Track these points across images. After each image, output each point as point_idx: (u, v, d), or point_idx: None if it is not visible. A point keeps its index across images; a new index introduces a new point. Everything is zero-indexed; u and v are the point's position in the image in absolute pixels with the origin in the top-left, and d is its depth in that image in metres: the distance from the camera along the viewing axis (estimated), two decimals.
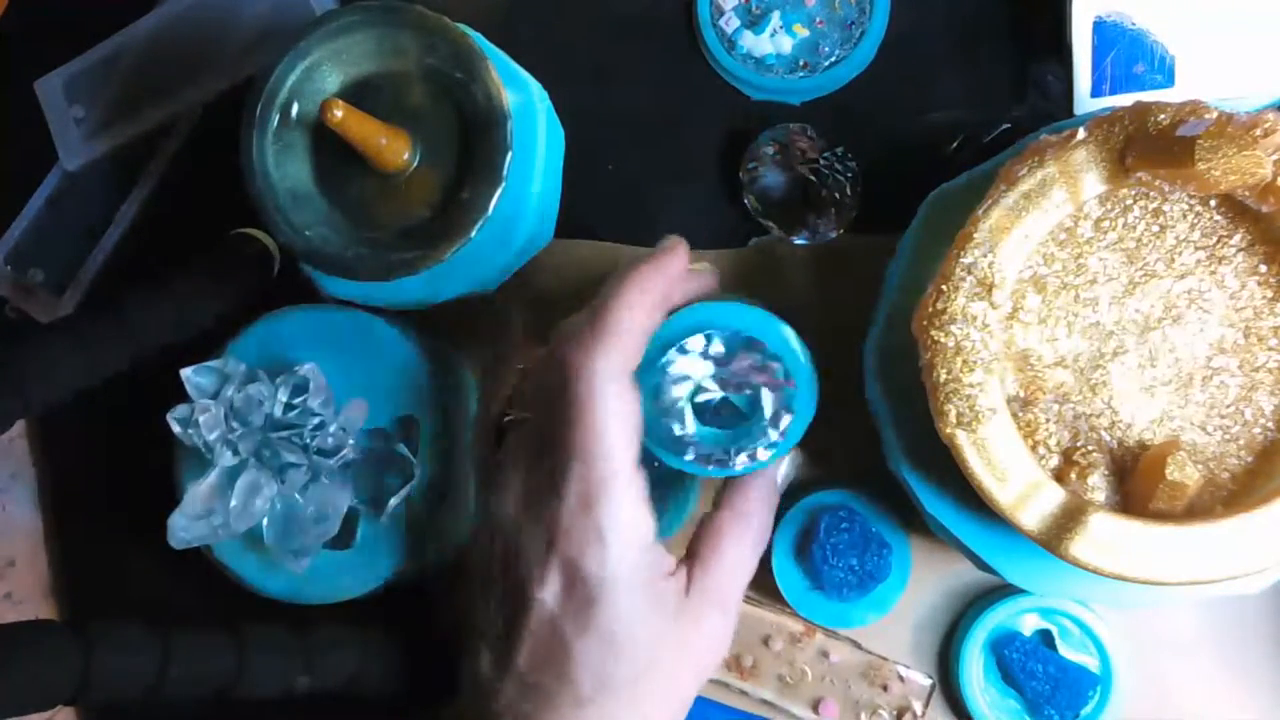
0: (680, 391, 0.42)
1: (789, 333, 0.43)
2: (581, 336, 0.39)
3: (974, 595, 0.52)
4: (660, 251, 0.42)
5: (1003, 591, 0.51)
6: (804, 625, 0.51)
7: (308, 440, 0.49)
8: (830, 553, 0.50)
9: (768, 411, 0.42)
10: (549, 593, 0.37)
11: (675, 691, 0.39)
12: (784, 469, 0.47)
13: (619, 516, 0.37)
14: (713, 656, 0.41)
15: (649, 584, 0.38)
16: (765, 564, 0.51)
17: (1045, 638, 0.51)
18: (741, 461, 0.42)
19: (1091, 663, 0.50)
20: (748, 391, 0.43)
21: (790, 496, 0.52)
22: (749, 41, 0.54)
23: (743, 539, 0.42)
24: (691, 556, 0.41)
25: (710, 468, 0.43)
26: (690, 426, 0.43)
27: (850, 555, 0.50)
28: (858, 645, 0.52)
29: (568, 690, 0.37)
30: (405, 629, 0.52)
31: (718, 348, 0.42)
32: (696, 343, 0.42)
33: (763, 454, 0.42)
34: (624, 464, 0.38)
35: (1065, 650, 0.50)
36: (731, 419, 0.43)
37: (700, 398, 0.43)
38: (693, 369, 0.42)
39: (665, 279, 0.41)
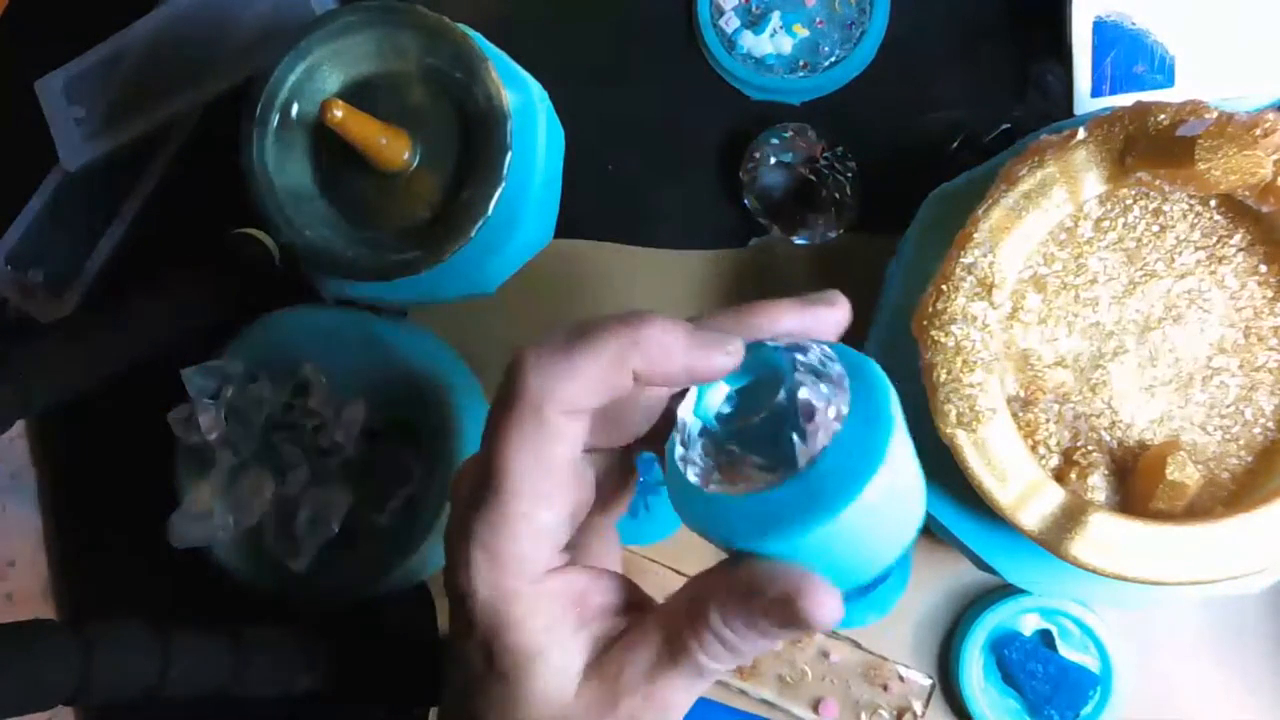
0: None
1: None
2: (551, 344, 0.30)
3: (974, 595, 0.52)
4: (719, 323, 0.31)
5: (1003, 591, 0.51)
6: None
7: (307, 440, 0.49)
8: None
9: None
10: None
11: None
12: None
13: (499, 544, 0.30)
14: None
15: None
16: None
17: (1045, 638, 0.51)
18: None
19: (1091, 663, 0.50)
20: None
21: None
22: (749, 41, 0.54)
23: (696, 680, 0.31)
24: (607, 660, 0.31)
25: (734, 486, 0.30)
26: (689, 416, 0.31)
27: None
28: (858, 645, 0.52)
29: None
30: (405, 629, 0.52)
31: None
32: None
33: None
34: (527, 501, 0.30)
35: (1065, 650, 0.50)
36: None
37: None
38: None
39: (693, 350, 0.29)
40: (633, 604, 0.32)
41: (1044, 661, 0.50)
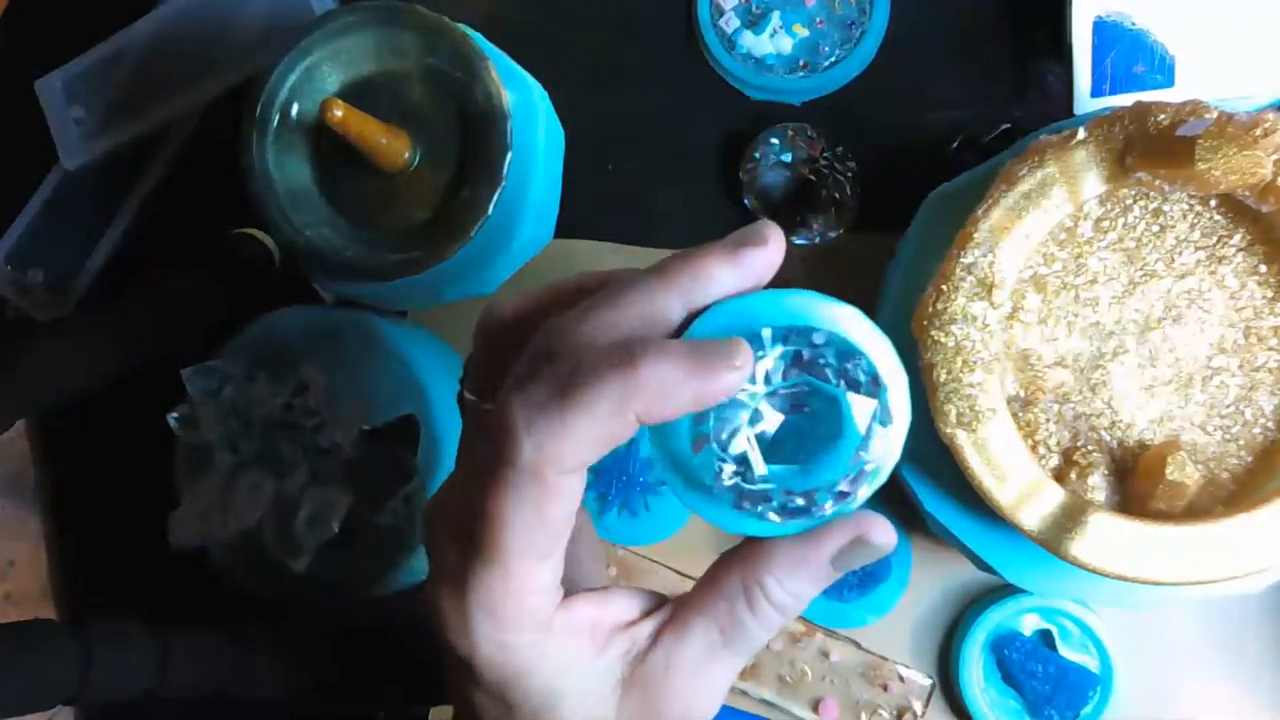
0: (736, 423, 0.28)
1: (857, 316, 0.29)
2: (542, 400, 0.27)
3: (974, 595, 0.52)
4: (718, 358, 0.27)
5: (1003, 591, 0.51)
6: (804, 625, 0.51)
7: (307, 440, 0.49)
8: None
9: (861, 425, 0.28)
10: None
11: None
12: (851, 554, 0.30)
13: (501, 606, 0.28)
14: None
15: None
16: None
17: (1045, 638, 0.51)
18: (830, 506, 0.28)
19: (1091, 663, 0.50)
20: (806, 409, 0.29)
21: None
22: (749, 41, 0.54)
23: (746, 655, 0.31)
24: (645, 669, 0.30)
25: (786, 522, 0.29)
26: (760, 467, 0.28)
27: None
28: (858, 645, 0.52)
29: None
30: (405, 629, 0.52)
31: (767, 363, 0.28)
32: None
33: (862, 490, 0.29)
34: (530, 561, 0.28)
35: (1065, 650, 0.50)
36: (792, 452, 0.29)
37: (756, 428, 0.28)
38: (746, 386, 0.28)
39: (704, 395, 0.27)
40: (647, 608, 0.31)
41: (1044, 661, 0.50)
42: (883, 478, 0.29)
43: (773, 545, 0.30)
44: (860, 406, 0.28)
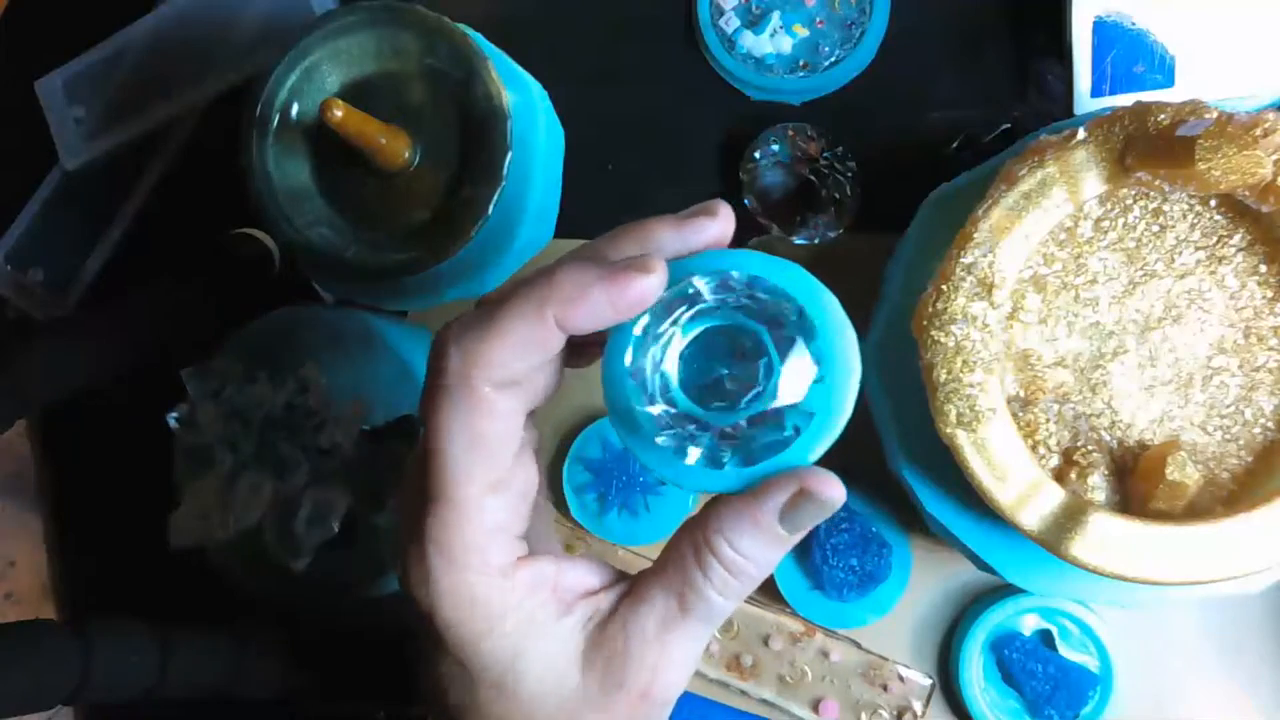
0: (660, 355, 0.30)
1: (797, 270, 0.31)
2: (469, 314, 0.29)
3: (974, 595, 0.52)
4: (629, 264, 0.29)
5: (1003, 591, 0.51)
6: (804, 625, 0.51)
7: (307, 440, 0.49)
8: (830, 553, 0.50)
9: (780, 356, 0.29)
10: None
11: None
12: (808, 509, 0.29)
13: (450, 538, 0.29)
14: None
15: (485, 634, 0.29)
16: None
17: (1045, 638, 0.51)
18: (729, 464, 0.29)
19: (1091, 663, 0.50)
20: (739, 354, 0.30)
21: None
22: (749, 41, 0.54)
23: (707, 623, 0.30)
24: (605, 637, 0.30)
25: (722, 468, 0.29)
26: (674, 383, 0.30)
27: (850, 555, 0.50)
28: (858, 645, 0.52)
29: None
30: (404, 629, 0.52)
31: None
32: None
33: (817, 449, 0.29)
34: (474, 486, 0.28)
35: (1065, 650, 0.50)
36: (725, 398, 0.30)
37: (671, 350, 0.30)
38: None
39: (618, 297, 0.28)
40: (610, 580, 0.31)
41: (1044, 661, 0.50)
42: (830, 431, 0.29)
43: (720, 505, 0.30)
44: (780, 343, 0.29)
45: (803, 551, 0.51)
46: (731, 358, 0.30)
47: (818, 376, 0.29)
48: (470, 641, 0.29)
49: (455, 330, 0.28)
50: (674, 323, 0.30)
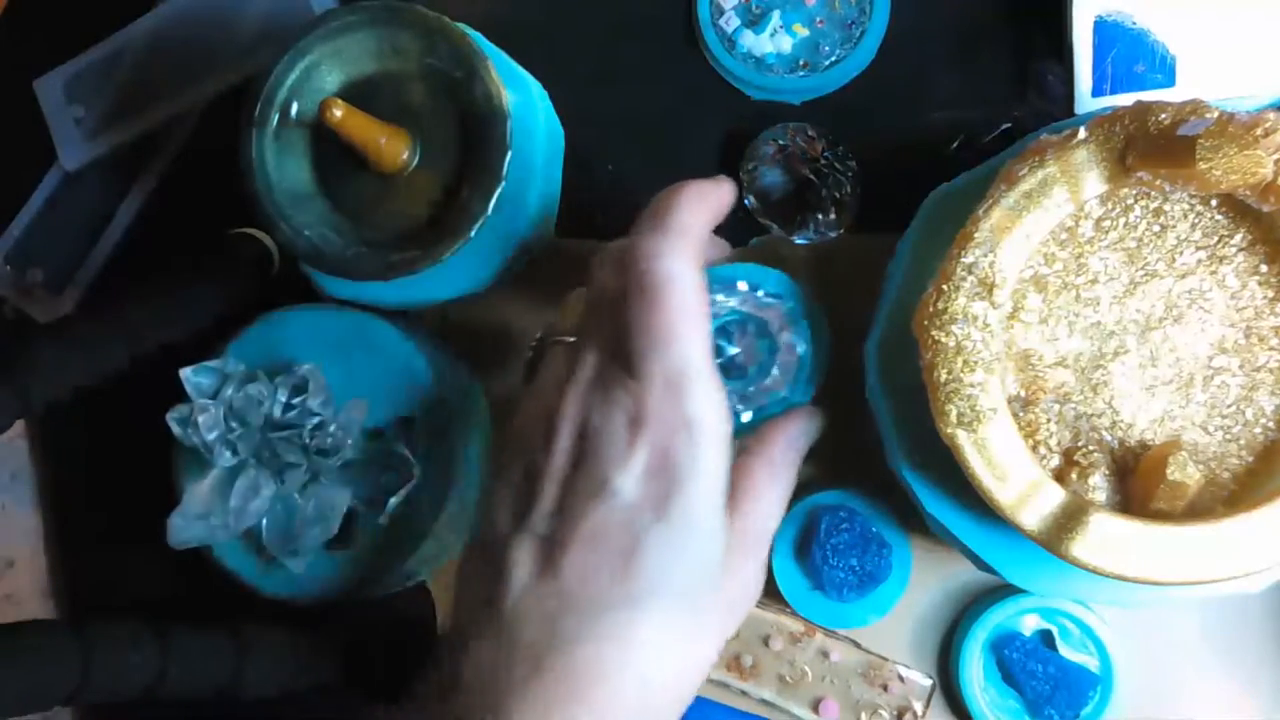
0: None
1: (792, 282, 0.47)
2: (653, 232, 0.37)
3: (974, 595, 0.52)
4: (712, 181, 0.40)
5: (1003, 591, 0.51)
6: (804, 625, 0.51)
7: (307, 440, 0.49)
8: (830, 553, 0.50)
9: (780, 340, 0.46)
10: (631, 478, 0.35)
11: (715, 624, 0.37)
12: (809, 423, 0.44)
13: (705, 406, 0.36)
14: (745, 605, 0.38)
15: (722, 485, 0.37)
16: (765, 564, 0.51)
17: (1045, 638, 0.51)
18: (747, 416, 0.46)
19: (1091, 663, 0.50)
20: (757, 344, 0.47)
21: (790, 497, 0.52)
22: (749, 41, 0.54)
23: (774, 486, 0.40)
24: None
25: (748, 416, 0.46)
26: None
27: (850, 555, 0.50)
28: (858, 645, 0.52)
29: (622, 589, 0.34)
30: (405, 629, 0.52)
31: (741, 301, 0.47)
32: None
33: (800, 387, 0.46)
34: (705, 355, 0.36)
35: (1065, 650, 0.50)
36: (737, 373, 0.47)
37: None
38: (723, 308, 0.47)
39: (720, 200, 0.40)
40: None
41: (1044, 661, 0.50)
42: (814, 384, 0.47)
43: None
44: (775, 328, 0.47)
45: (803, 552, 0.51)
46: (741, 341, 0.47)
47: (802, 350, 0.47)
48: (713, 486, 0.37)
49: (659, 212, 0.38)
50: None
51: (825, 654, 0.52)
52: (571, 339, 0.40)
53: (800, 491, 0.52)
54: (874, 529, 0.51)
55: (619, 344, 0.37)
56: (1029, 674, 0.50)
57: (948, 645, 0.52)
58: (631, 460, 0.35)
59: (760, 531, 0.39)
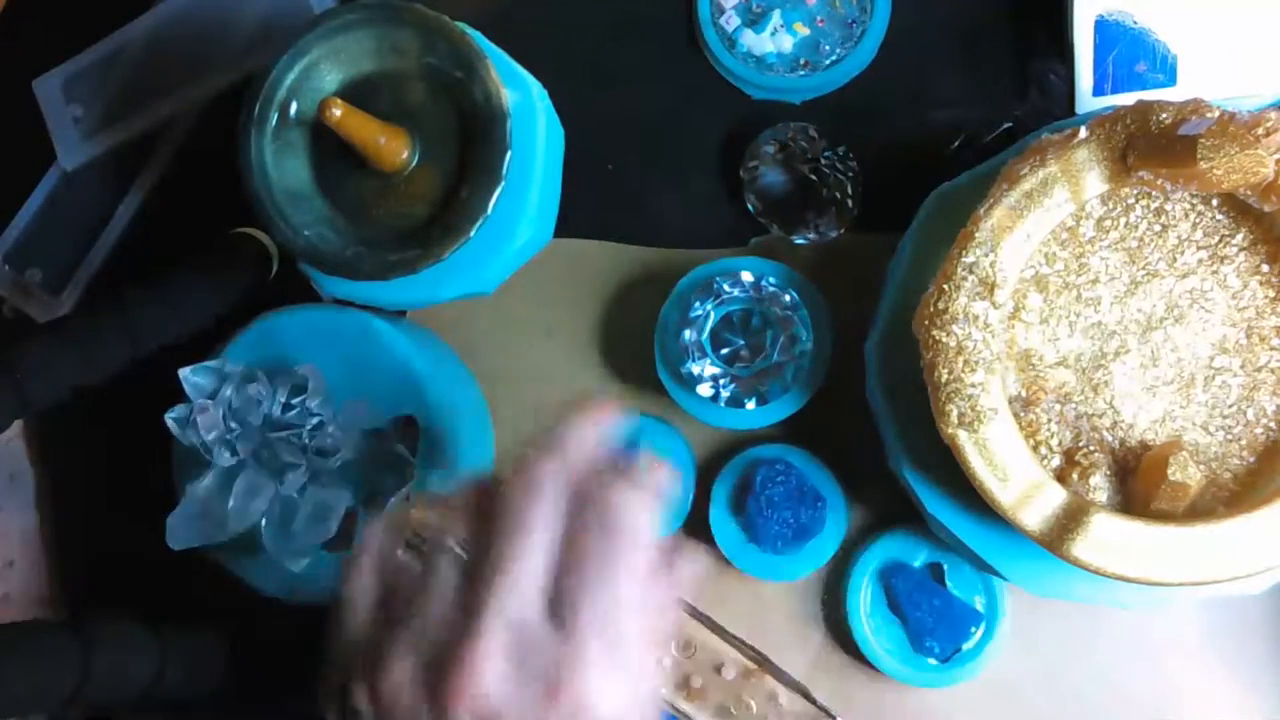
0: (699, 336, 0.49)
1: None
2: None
3: (870, 523, 0.53)
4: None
5: (896, 522, 0.51)
6: (756, 665, 0.51)
7: (306, 440, 0.49)
8: (766, 505, 0.51)
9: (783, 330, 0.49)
10: None
11: None
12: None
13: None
14: None
15: None
16: (702, 518, 0.52)
17: (936, 571, 0.51)
18: (751, 405, 0.49)
19: (978, 601, 0.50)
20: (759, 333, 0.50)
21: (728, 450, 0.53)
22: (749, 40, 0.54)
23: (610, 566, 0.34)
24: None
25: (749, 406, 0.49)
26: (707, 354, 0.49)
27: (785, 508, 0.50)
28: (808, 696, 0.50)
29: None
30: None
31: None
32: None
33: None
34: None
35: (954, 587, 0.50)
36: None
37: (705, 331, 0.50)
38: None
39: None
40: None
41: (930, 593, 0.50)
42: (816, 372, 0.49)
43: None
44: (778, 319, 0.50)
45: (738, 504, 0.51)
46: (746, 331, 0.50)
47: (804, 339, 0.49)
48: None
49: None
50: (706, 308, 0.50)
51: (774, 696, 0.51)
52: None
53: (738, 445, 0.52)
54: (810, 483, 0.51)
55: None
56: (914, 604, 0.50)
57: (840, 572, 0.52)
58: None
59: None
